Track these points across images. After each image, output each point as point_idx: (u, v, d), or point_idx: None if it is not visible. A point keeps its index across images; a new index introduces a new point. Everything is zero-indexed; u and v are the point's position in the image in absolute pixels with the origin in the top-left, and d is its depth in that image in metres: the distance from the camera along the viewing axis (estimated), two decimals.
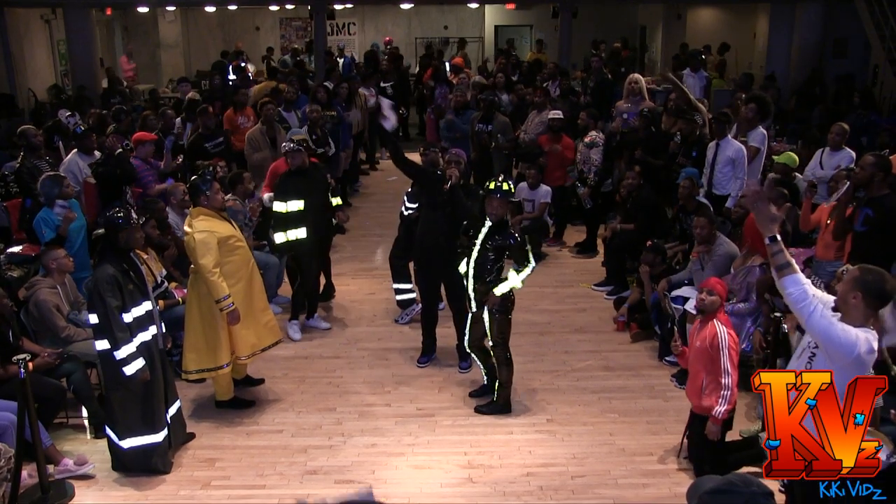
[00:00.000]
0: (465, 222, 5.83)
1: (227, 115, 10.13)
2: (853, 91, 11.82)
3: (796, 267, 3.38)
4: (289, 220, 6.79)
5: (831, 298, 3.58)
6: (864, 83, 13.77)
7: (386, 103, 6.88)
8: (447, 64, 15.13)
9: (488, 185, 5.61)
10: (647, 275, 6.88)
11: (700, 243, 6.41)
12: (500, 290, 5.56)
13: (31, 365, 4.69)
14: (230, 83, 13.26)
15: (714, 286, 4.85)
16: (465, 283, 5.71)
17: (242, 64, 16.20)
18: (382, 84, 13.40)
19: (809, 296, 3.32)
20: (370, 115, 12.08)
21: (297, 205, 6.76)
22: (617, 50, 15.34)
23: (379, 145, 13.72)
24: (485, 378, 6.01)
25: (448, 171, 6.25)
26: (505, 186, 5.54)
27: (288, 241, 6.84)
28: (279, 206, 6.81)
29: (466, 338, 5.91)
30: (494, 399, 5.81)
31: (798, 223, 6.54)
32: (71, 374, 5.46)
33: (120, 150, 7.68)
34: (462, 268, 5.76)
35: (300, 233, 6.83)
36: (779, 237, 3.38)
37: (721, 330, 4.69)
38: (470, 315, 5.82)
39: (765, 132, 8.09)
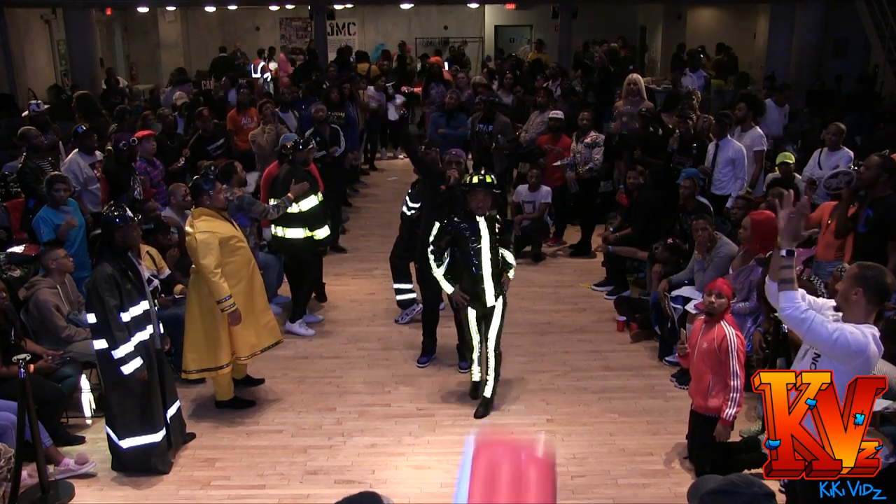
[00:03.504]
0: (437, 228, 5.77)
1: (231, 116, 10.14)
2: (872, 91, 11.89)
3: (797, 285, 3.39)
4: (308, 218, 6.92)
5: (830, 303, 3.59)
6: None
7: (392, 103, 6.89)
8: (445, 63, 15.15)
9: (470, 181, 5.61)
10: (658, 274, 6.88)
11: (700, 245, 6.41)
12: (512, 273, 5.87)
13: (31, 367, 4.69)
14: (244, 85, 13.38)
15: (721, 288, 4.84)
16: (479, 283, 5.59)
17: (262, 63, 16.33)
18: (385, 84, 13.42)
19: (803, 310, 3.32)
20: (369, 115, 12.13)
21: (312, 202, 6.94)
22: (615, 49, 15.35)
23: (379, 145, 13.74)
24: (491, 381, 5.87)
25: (448, 171, 6.25)
26: (488, 179, 5.59)
27: (314, 238, 6.99)
28: (304, 205, 6.90)
29: (492, 340, 5.73)
30: (490, 397, 5.78)
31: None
32: (67, 377, 5.47)
33: (112, 147, 7.69)
34: (436, 270, 5.73)
35: (324, 231, 7.05)
36: (794, 253, 3.39)
37: (730, 332, 4.69)
38: (473, 316, 5.71)
39: (762, 132, 8.10)
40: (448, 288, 5.74)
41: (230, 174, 6.89)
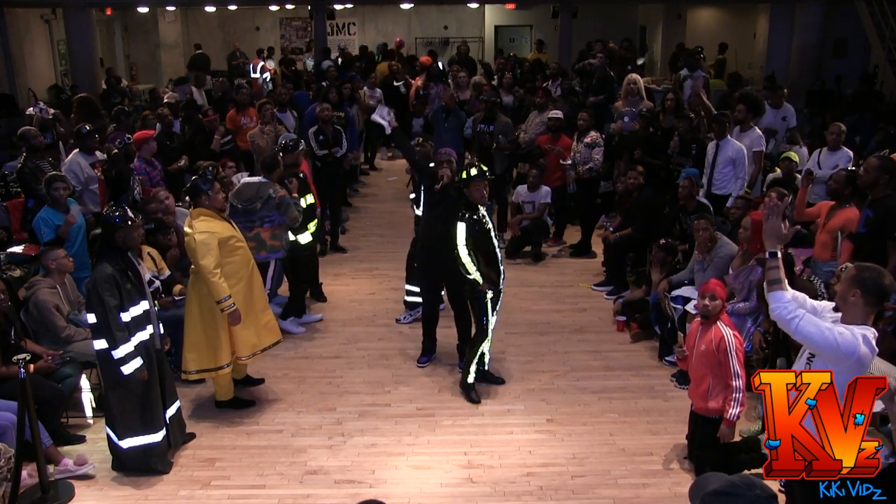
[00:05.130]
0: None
1: (230, 116, 10.13)
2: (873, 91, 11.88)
3: (786, 285, 3.40)
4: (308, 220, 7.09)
5: (830, 305, 3.59)
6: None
7: (379, 113, 6.87)
8: (441, 63, 15.11)
9: (468, 174, 5.73)
10: (659, 273, 6.88)
11: (701, 246, 6.40)
12: None
13: (31, 367, 4.69)
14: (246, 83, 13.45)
15: (714, 290, 4.84)
16: (498, 267, 5.81)
17: (262, 63, 16.36)
18: (395, 83, 13.42)
19: (791, 310, 3.33)
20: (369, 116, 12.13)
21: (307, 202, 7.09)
22: (613, 49, 15.36)
23: (379, 145, 13.73)
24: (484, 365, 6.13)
25: (440, 171, 6.25)
26: (484, 168, 5.84)
27: (297, 242, 7.07)
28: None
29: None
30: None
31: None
32: (67, 377, 5.47)
33: (115, 150, 7.69)
34: (472, 268, 5.77)
35: (306, 237, 7.17)
36: (779, 254, 3.41)
37: (727, 333, 4.69)
38: (492, 299, 5.83)
39: (761, 133, 8.10)
40: (481, 279, 5.76)
41: (273, 168, 6.68)
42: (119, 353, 4.76)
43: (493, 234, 5.85)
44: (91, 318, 4.84)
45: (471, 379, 5.94)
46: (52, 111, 9.35)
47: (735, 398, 4.62)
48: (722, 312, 4.83)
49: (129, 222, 4.92)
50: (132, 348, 4.82)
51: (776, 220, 3.44)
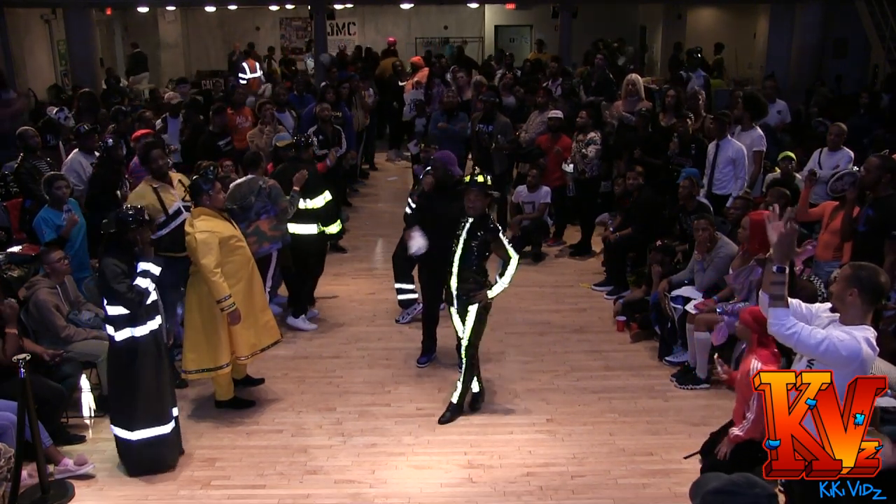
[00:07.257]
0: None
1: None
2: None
3: (788, 301, 3.37)
4: (321, 215, 7.11)
5: (826, 307, 3.58)
6: (865, 84, 13.76)
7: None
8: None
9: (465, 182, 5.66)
10: (659, 274, 6.87)
11: (701, 245, 6.40)
12: (494, 292, 5.44)
13: (28, 355, 4.71)
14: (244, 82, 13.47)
15: (745, 321, 4.58)
16: (449, 280, 5.53)
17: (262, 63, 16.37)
18: (400, 83, 13.40)
19: (789, 326, 3.30)
20: (370, 115, 12.12)
21: (326, 198, 7.15)
22: (615, 49, 15.35)
23: (378, 145, 13.71)
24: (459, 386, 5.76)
25: (424, 180, 6.32)
26: (480, 178, 5.50)
27: (325, 233, 7.27)
28: (317, 202, 7.09)
29: (463, 342, 5.61)
30: (456, 403, 5.67)
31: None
32: (67, 377, 5.47)
33: (101, 145, 7.66)
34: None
35: (334, 228, 7.37)
36: (786, 269, 3.37)
37: (754, 367, 4.41)
38: (453, 310, 5.62)
39: (762, 133, 8.10)
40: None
41: (257, 163, 6.78)
42: (142, 330, 4.90)
43: (456, 249, 5.46)
44: (119, 310, 4.86)
45: (454, 399, 5.69)
46: (72, 122, 9.25)
47: (743, 425, 4.49)
48: (770, 344, 4.51)
49: (144, 223, 4.99)
50: (148, 331, 4.96)
51: (791, 237, 3.37)
